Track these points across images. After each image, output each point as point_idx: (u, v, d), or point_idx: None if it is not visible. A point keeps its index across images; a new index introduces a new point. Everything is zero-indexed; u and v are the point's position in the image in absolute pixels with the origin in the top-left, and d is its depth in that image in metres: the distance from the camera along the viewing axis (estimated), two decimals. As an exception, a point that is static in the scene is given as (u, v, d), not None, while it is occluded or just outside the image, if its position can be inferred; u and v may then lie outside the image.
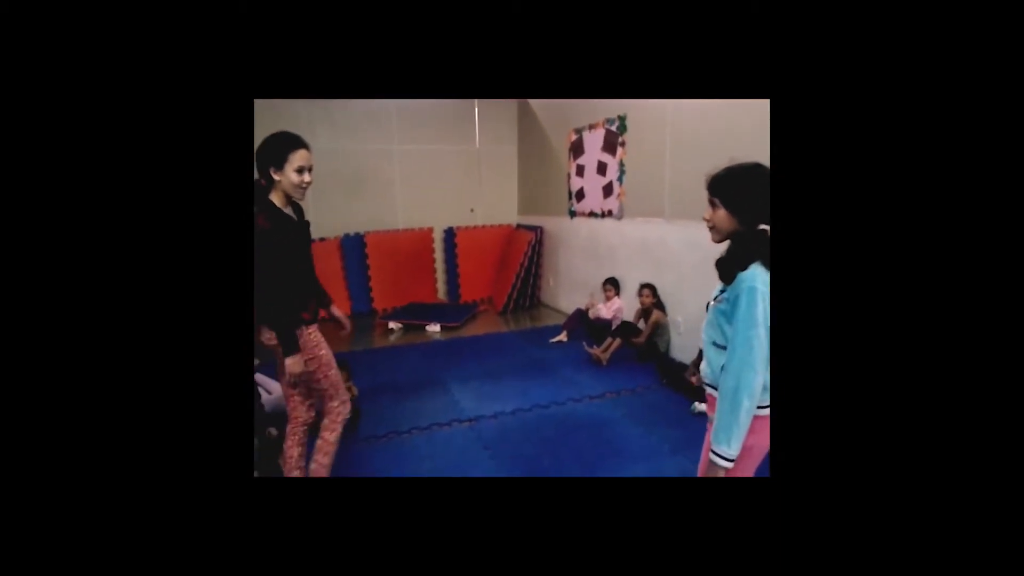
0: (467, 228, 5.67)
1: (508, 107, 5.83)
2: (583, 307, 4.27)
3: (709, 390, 1.24)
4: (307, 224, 1.72)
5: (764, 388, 1.11)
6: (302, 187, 1.59)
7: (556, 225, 5.16)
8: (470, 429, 2.62)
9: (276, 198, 1.60)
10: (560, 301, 5.23)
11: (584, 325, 4.13)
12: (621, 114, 3.96)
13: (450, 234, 5.64)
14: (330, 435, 1.81)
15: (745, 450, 1.13)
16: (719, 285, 1.20)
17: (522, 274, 5.28)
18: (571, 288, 5.00)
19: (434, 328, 4.59)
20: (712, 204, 1.17)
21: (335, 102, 5.18)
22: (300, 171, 1.56)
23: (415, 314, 4.94)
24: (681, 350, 3.48)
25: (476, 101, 5.68)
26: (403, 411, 2.86)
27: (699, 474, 1.27)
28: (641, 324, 3.65)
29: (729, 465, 1.12)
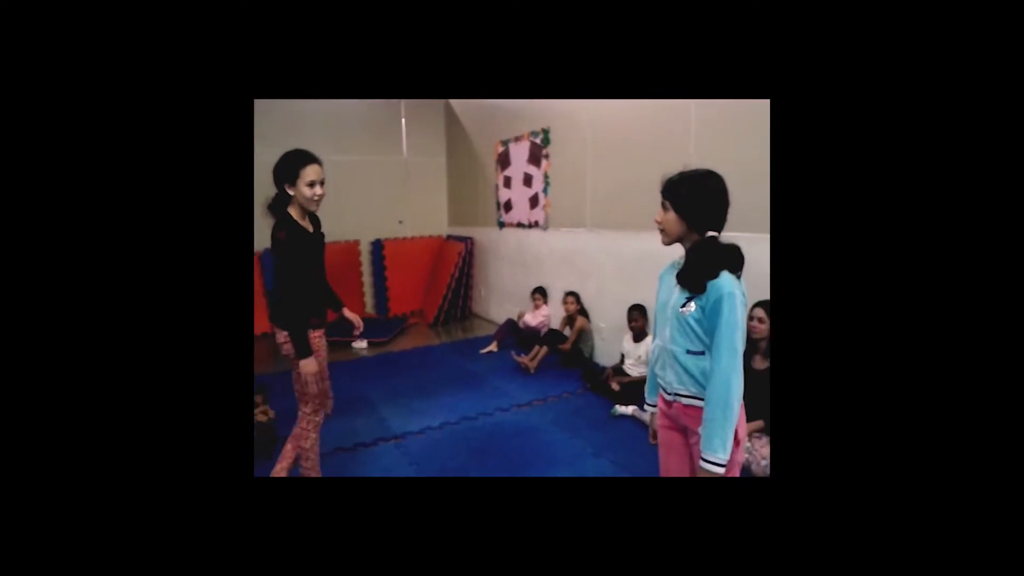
0: (396, 240, 5.58)
1: (435, 118, 5.83)
2: (514, 317, 4.33)
3: (685, 401, 1.23)
4: (322, 235, 1.86)
5: None
6: (314, 199, 1.73)
7: (486, 236, 5.21)
8: (396, 447, 2.57)
9: (294, 211, 1.75)
10: (492, 311, 5.27)
11: (514, 334, 4.19)
12: (545, 127, 4.09)
13: (378, 246, 5.52)
14: (306, 441, 1.92)
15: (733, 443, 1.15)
16: (680, 293, 1.20)
17: (453, 285, 5.26)
18: (502, 298, 5.06)
19: (361, 344, 4.45)
20: (663, 207, 1.21)
21: (256, 110, 4.92)
22: (311, 185, 1.70)
23: (340, 330, 4.75)
24: (604, 355, 3.62)
25: (403, 108, 5.63)
26: (327, 433, 2.73)
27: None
28: (567, 331, 3.76)
29: (722, 471, 1.12)
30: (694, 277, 1.17)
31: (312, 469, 1.95)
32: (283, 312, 1.74)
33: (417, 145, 5.78)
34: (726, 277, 1.14)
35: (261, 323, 4.36)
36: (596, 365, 3.60)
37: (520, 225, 4.58)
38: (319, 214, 1.86)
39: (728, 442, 1.12)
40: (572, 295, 3.72)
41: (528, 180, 4.39)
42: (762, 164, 2.39)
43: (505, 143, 4.68)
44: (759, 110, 2.43)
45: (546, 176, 4.14)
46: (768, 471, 2.07)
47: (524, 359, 3.62)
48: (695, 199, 1.18)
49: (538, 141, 4.19)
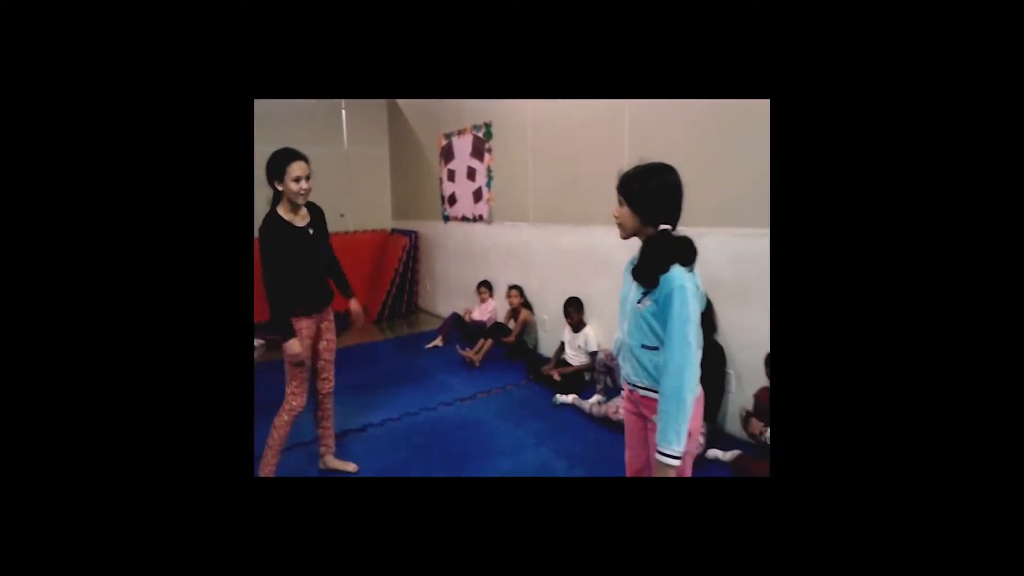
0: (337, 234, 5.39)
1: (377, 108, 5.68)
2: (460, 311, 4.32)
3: (642, 392, 1.26)
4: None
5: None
6: (301, 193, 1.87)
7: (431, 230, 5.16)
8: (336, 445, 2.51)
9: (283, 206, 1.90)
10: (438, 305, 5.23)
11: (459, 328, 4.19)
12: (487, 121, 4.09)
13: (319, 240, 5.34)
14: (277, 420, 2.01)
15: (687, 436, 1.15)
16: (637, 289, 1.22)
17: (397, 280, 5.18)
18: (448, 292, 5.03)
19: (259, 342, 4.28)
20: (620, 201, 1.21)
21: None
22: (297, 180, 1.85)
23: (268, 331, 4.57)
24: (548, 346, 3.69)
25: (343, 101, 5.45)
26: (263, 435, 2.65)
27: (653, 474, 1.23)
28: (511, 324, 3.80)
29: (678, 463, 1.12)
30: (646, 271, 1.19)
31: (267, 456, 2.01)
32: (268, 300, 1.88)
33: (359, 136, 5.62)
34: (677, 271, 1.14)
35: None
36: (540, 357, 3.66)
37: (465, 219, 4.57)
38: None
39: (682, 434, 1.12)
40: (516, 288, 3.76)
41: (472, 174, 4.38)
42: (698, 160, 2.51)
43: (448, 136, 4.64)
44: (691, 108, 2.55)
45: (489, 170, 4.15)
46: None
47: (469, 353, 3.63)
48: (645, 193, 1.18)
49: (481, 135, 4.19)
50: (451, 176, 4.70)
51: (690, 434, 1.17)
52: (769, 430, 2.09)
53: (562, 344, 3.34)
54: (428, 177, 5.07)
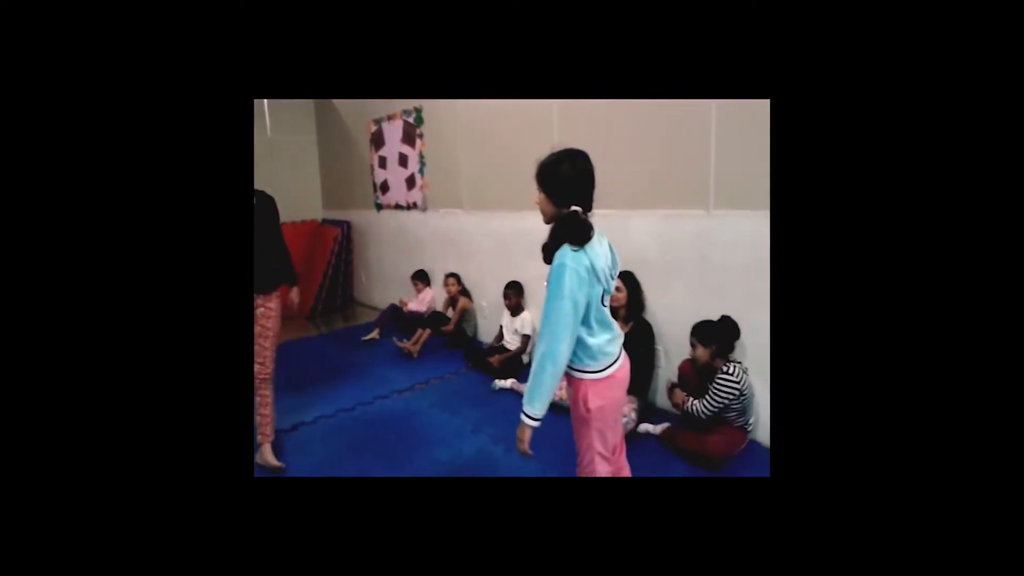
0: (263, 226, 5.11)
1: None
2: (397, 302, 4.21)
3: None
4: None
5: (595, 352, 1.23)
6: None
7: (364, 219, 4.98)
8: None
9: None
10: (375, 297, 5.08)
11: (397, 320, 4.09)
12: (417, 106, 3.97)
13: (243, 233, 5.02)
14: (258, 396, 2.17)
15: (596, 410, 1.27)
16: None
17: (330, 272, 4.98)
18: (385, 283, 4.89)
19: None
20: (537, 188, 1.26)
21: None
22: None
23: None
24: (488, 333, 3.68)
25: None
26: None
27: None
28: (449, 312, 3.75)
29: (535, 424, 1.21)
30: (545, 251, 1.24)
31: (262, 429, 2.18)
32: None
33: (283, 122, 5.30)
34: (564, 250, 1.19)
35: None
36: (480, 344, 3.65)
37: (398, 207, 4.45)
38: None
39: (540, 399, 1.20)
40: (453, 276, 3.71)
41: (404, 160, 4.25)
42: (626, 145, 2.55)
43: (378, 122, 4.47)
44: (614, 107, 2.58)
45: (421, 156, 4.04)
46: (631, 427, 2.26)
47: (407, 344, 3.55)
48: (556, 179, 1.23)
49: (411, 120, 4.06)
50: (383, 163, 4.54)
51: (601, 409, 1.27)
52: (692, 399, 2.19)
53: (501, 329, 3.34)
54: (359, 164, 4.88)
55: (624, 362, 1.34)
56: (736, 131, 2.13)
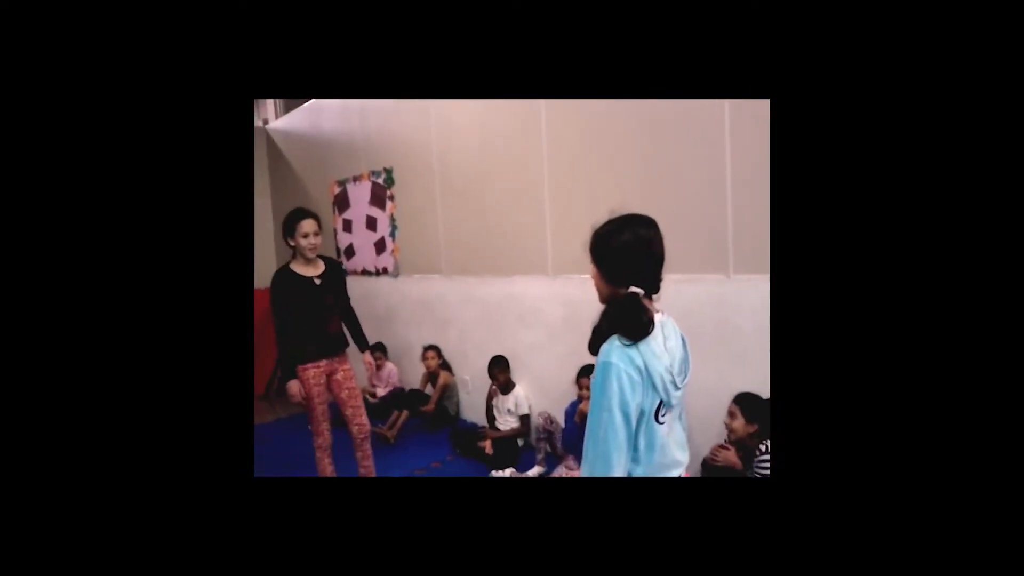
0: (209, 296, 4.60)
1: (256, 154, 5.07)
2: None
3: None
4: (332, 277, 2.28)
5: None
6: (310, 248, 2.15)
7: (325, 286, 4.58)
8: None
9: (297, 261, 2.20)
10: (338, 371, 4.60)
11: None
12: (387, 166, 3.75)
13: (185, 306, 4.49)
14: (318, 465, 2.31)
15: None
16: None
17: (288, 346, 4.49)
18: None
19: None
20: (591, 261, 1.06)
21: None
22: (306, 236, 2.13)
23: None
24: (472, 410, 3.31)
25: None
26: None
27: None
28: (428, 390, 3.37)
29: None
30: (592, 340, 1.01)
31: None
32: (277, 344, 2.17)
33: (233, 184, 4.94)
34: (612, 343, 0.96)
35: None
36: (464, 423, 3.27)
37: (366, 272, 4.11)
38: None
39: None
40: (432, 349, 3.36)
41: (372, 223, 3.97)
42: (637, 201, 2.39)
43: (342, 183, 4.21)
44: (619, 138, 2.45)
45: (392, 218, 3.78)
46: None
47: (382, 429, 3.12)
48: (606, 250, 1.02)
49: (380, 181, 3.83)
50: (347, 227, 4.24)
51: None
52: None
53: (489, 406, 2.99)
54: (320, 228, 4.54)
55: None
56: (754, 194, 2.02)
